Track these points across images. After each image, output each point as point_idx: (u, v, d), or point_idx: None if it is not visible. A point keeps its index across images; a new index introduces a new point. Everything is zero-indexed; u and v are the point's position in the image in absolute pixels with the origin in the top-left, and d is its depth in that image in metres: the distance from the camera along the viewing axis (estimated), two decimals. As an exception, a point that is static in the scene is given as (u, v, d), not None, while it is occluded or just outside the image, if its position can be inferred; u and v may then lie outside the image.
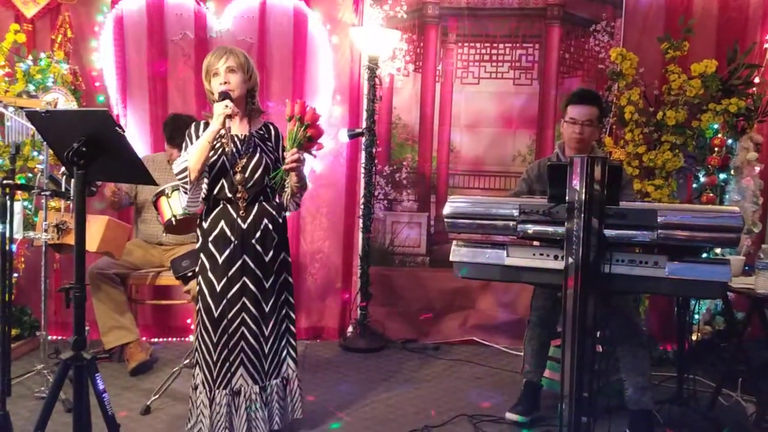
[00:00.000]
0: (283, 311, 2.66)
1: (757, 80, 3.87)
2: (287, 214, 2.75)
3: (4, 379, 2.74)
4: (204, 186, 2.52)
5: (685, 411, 2.95)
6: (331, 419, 2.95)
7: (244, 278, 2.52)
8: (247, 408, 2.52)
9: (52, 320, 3.93)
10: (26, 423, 2.75)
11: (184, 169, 2.44)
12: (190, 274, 2.95)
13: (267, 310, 2.56)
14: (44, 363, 3.17)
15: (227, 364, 2.50)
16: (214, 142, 2.50)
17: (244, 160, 2.52)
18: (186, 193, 2.50)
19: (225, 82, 2.49)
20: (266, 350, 2.57)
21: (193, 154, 2.44)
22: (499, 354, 4.07)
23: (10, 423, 2.50)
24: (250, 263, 2.53)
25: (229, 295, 2.51)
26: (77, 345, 1.89)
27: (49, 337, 3.45)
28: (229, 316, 2.50)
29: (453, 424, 2.92)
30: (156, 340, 4.11)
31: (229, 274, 2.51)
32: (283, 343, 2.66)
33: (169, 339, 4.14)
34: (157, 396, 3.01)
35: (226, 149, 2.51)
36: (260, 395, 2.53)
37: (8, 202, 2.62)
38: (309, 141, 2.49)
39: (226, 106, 2.41)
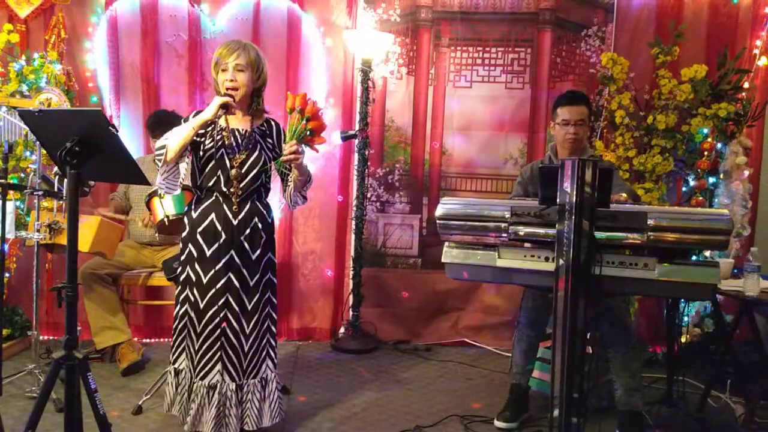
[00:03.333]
0: (266, 310, 2.64)
1: (746, 85, 3.91)
2: (293, 208, 2.76)
3: (-5, 378, 2.75)
4: (182, 172, 2.50)
5: (675, 412, 2.98)
6: (322, 420, 2.96)
7: (230, 274, 2.51)
8: (221, 404, 2.50)
9: (44, 320, 3.94)
10: (17, 423, 2.74)
11: (163, 146, 2.44)
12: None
13: (250, 307, 2.55)
14: (36, 363, 3.16)
15: (207, 355, 2.51)
16: (215, 135, 2.51)
17: (243, 156, 2.52)
18: (159, 170, 2.48)
19: (231, 80, 2.48)
20: (246, 348, 2.55)
21: (176, 136, 2.44)
22: (490, 355, 4.08)
23: (0, 422, 2.49)
24: (237, 259, 2.52)
25: (213, 290, 2.50)
26: (69, 345, 1.89)
27: (41, 337, 3.45)
28: (213, 310, 2.50)
29: (444, 424, 2.93)
30: (147, 340, 4.11)
31: (216, 268, 2.50)
32: (264, 342, 2.63)
33: (161, 339, 4.12)
34: (148, 396, 3.01)
35: (226, 142, 2.51)
36: (236, 393, 2.52)
37: (0, 202, 2.62)
38: (310, 135, 2.46)
39: (224, 96, 2.43)
